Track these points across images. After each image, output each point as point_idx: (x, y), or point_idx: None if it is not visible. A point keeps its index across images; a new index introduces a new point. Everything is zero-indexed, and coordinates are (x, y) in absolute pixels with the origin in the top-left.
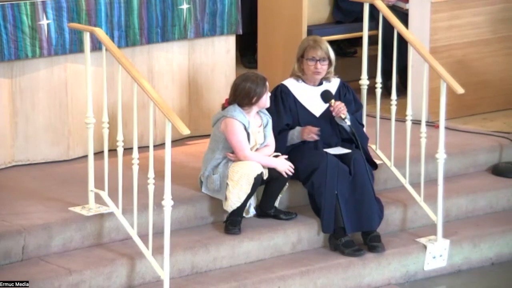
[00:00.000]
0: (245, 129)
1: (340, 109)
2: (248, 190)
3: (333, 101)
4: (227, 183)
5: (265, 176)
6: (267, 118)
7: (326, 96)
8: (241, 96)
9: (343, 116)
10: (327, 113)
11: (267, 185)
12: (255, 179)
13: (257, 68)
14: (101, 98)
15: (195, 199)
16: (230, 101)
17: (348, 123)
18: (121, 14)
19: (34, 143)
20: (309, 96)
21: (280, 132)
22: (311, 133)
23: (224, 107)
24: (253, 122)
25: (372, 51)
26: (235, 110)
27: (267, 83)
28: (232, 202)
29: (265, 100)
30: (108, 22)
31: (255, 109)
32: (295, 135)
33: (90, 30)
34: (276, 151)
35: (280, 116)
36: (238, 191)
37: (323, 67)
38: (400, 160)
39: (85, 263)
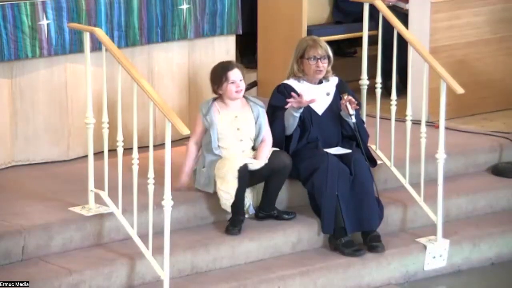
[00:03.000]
0: (205, 118)
1: (352, 103)
2: (236, 184)
3: (346, 94)
4: (215, 181)
5: (254, 167)
6: (258, 109)
7: (342, 87)
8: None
9: (351, 112)
10: (329, 112)
11: (267, 182)
12: (239, 171)
13: (257, 68)
14: (101, 98)
15: (195, 199)
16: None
17: (354, 120)
18: (121, 14)
19: (34, 143)
20: (311, 94)
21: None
22: (296, 100)
23: None
24: (228, 109)
25: (372, 51)
26: (204, 103)
27: (229, 73)
28: (225, 199)
29: (229, 88)
30: (108, 22)
31: (226, 99)
32: (290, 112)
33: (90, 30)
34: (276, 141)
35: (283, 112)
36: (226, 187)
37: (324, 65)
38: (400, 160)
39: (85, 263)
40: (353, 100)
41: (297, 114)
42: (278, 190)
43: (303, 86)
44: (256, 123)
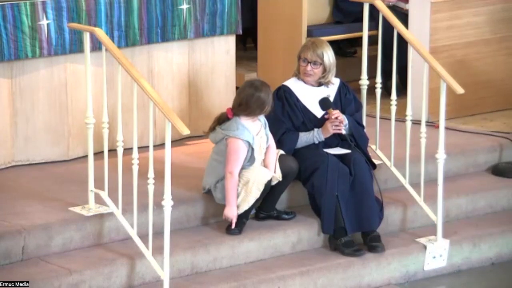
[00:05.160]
0: (250, 145)
1: (336, 123)
2: (257, 195)
3: (331, 109)
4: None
5: (276, 181)
6: (263, 118)
7: (324, 103)
8: (254, 107)
9: (337, 130)
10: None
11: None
12: (265, 185)
13: (256, 66)
14: (101, 98)
15: (195, 199)
16: (237, 111)
17: (344, 132)
18: (121, 14)
19: (34, 143)
20: (310, 97)
21: (285, 132)
22: (334, 123)
23: (227, 117)
24: (255, 128)
25: (372, 51)
26: (238, 128)
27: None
28: (241, 207)
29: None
30: (108, 22)
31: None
32: (315, 136)
33: (90, 30)
34: (282, 150)
35: (285, 117)
36: (247, 196)
37: (314, 71)
38: (400, 160)
39: (85, 263)
40: (336, 117)
41: (317, 141)
42: (281, 193)
43: (301, 86)
44: (265, 134)
